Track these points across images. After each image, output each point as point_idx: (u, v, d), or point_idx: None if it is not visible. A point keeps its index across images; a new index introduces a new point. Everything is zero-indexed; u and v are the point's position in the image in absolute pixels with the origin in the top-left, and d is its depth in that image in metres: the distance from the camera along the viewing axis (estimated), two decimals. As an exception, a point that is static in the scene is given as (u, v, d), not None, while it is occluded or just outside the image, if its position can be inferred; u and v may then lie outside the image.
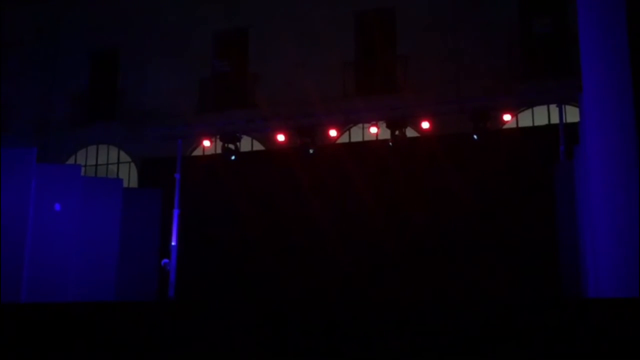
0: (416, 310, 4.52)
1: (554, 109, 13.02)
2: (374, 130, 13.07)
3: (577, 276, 9.60)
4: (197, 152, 16.00)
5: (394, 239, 12.64)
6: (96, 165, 17.50)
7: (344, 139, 15.14)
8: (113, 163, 17.49)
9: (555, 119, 12.80)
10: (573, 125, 10.51)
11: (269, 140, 14.53)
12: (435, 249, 12.22)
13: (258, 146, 15.69)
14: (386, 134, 12.82)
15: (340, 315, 4.86)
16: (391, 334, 4.53)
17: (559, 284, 10.56)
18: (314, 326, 4.76)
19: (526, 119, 14.20)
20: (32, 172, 10.25)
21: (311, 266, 12.81)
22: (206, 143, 14.00)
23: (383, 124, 12.78)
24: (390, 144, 12.57)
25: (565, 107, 12.20)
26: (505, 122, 12.98)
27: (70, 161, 17.50)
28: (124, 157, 17.37)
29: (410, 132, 13.06)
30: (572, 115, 12.42)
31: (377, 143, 13.61)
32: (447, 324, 4.37)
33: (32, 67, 17.97)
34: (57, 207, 10.86)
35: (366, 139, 14.42)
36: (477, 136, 11.97)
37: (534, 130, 13.39)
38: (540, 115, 14.01)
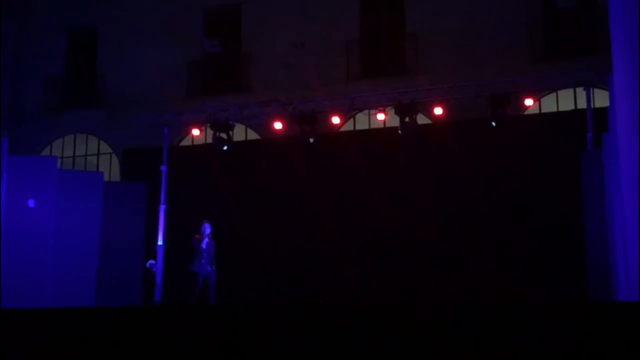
0: (430, 306, 4.55)
1: (580, 92, 13.00)
2: (381, 116, 13.06)
3: (606, 276, 9.62)
4: (186, 142, 16.00)
5: (403, 236, 12.68)
6: (74, 156, 17.51)
7: (348, 126, 15.15)
8: (92, 154, 17.49)
9: (582, 104, 12.79)
10: (602, 110, 10.50)
11: (264, 128, 14.52)
12: (450, 245, 12.26)
13: (253, 135, 15.70)
14: (395, 121, 12.81)
15: (344, 312, 4.89)
16: (401, 328, 4.56)
17: (586, 284, 10.59)
18: (314, 324, 4.79)
19: (550, 104, 14.19)
20: (3, 164, 10.24)
21: (312, 265, 12.84)
22: (195, 132, 14.00)
23: (391, 110, 12.77)
24: (400, 131, 12.57)
25: (593, 90, 12.18)
26: (526, 108, 12.97)
27: (45, 152, 17.50)
28: (105, 147, 17.37)
29: (421, 119, 13.05)
30: (601, 99, 12.41)
31: (384, 131, 13.61)
32: (461, 320, 4.40)
33: (1, 48, 17.94)
34: (31, 203, 10.87)
35: (372, 126, 14.43)
36: (496, 123, 11.97)
37: (558, 116, 13.39)
38: (566, 100, 13.99)
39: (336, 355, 4.70)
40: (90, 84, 17.62)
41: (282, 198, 13.45)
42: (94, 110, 17.24)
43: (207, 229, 11.16)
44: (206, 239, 11.11)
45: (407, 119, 12.44)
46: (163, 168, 13.61)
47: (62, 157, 17.02)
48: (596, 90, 12.46)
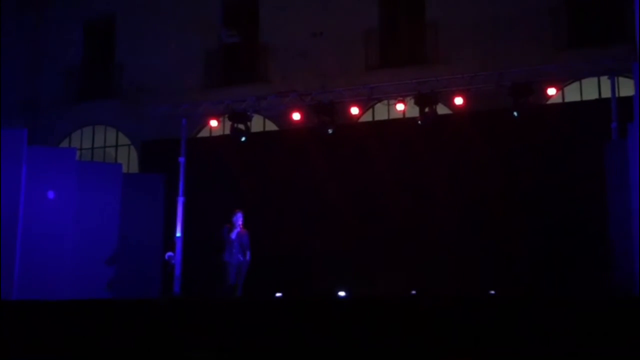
0: (452, 301, 4.54)
1: (605, 81, 12.86)
2: (400, 107, 13.01)
3: (630, 269, 9.54)
4: (204, 133, 16.06)
5: (423, 227, 12.65)
6: (92, 148, 17.65)
7: (367, 117, 15.11)
8: (111, 146, 17.62)
9: (606, 93, 12.65)
10: (627, 99, 10.38)
11: (283, 119, 14.53)
12: (470, 237, 12.21)
13: (271, 126, 15.72)
14: (414, 111, 12.76)
15: (363, 306, 4.90)
16: (424, 322, 4.56)
17: (611, 277, 10.51)
18: (332, 319, 4.81)
19: (573, 93, 14.05)
20: (22, 156, 10.37)
21: (329, 257, 12.86)
22: (213, 123, 14.05)
23: (411, 100, 12.72)
24: (419, 122, 12.52)
25: (618, 78, 12.05)
26: (549, 97, 12.85)
27: (64, 144, 17.66)
28: (123, 139, 17.49)
29: (441, 109, 12.99)
30: (626, 88, 12.26)
31: (404, 121, 13.55)
32: (481, 315, 4.39)
33: (18, 39, 18.10)
34: (51, 194, 11.00)
35: (392, 116, 14.37)
36: (518, 113, 11.88)
37: (582, 105, 13.25)
38: (590, 89, 13.85)
39: (351, 347, 4.71)
40: (108, 75, 17.71)
41: (301, 189, 13.47)
42: (111, 101, 17.35)
43: (239, 218, 11.02)
44: (237, 229, 10.95)
45: (426, 109, 12.38)
46: (181, 159, 13.69)
47: (80, 149, 17.16)
48: (621, 79, 12.31)
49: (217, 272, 11.04)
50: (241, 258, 10.91)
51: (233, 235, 10.92)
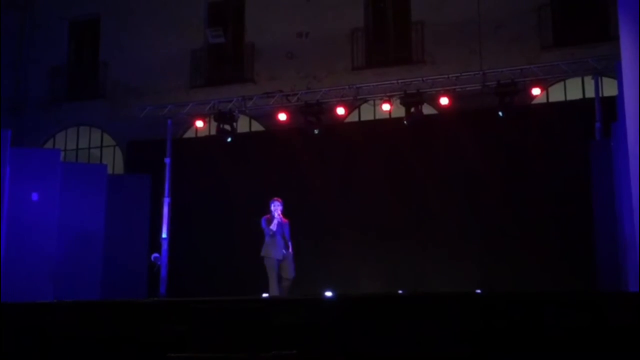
0: (436, 301, 4.55)
1: (588, 81, 12.94)
2: (386, 107, 13.04)
3: (616, 267, 9.62)
4: (189, 134, 16.00)
5: (409, 227, 12.68)
6: (77, 149, 17.53)
7: (353, 117, 15.11)
8: (96, 147, 17.51)
9: (590, 93, 12.73)
10: (610, 99, 10.47)
11: (269, 119, 14.51)
12: (456, 236, 12.25)
13: (257, 126, 15.69)
14: (400, 111, 12.79)
15: (351, 310, 4.90)
16: (415, 325, 4.57)
17: (595, 274, 10.58)
18: (320, 323, 4.81)
19: (558, 93, 14.12)
20: (6, 157, 10.28)
21: (317, 257, 12.85)
22: (199, 123, 14.02)
23: (397, 100, 12.75)
24: (405, 122, 12.56)
25: (601, 78, 12.13)
26: (534, 97, 12.92)
27: (49, 145, 17.53)
28: (108, 139, 17.38)
29: (427, 109, 13.03)
30: (610, 87, 12.34)
31: (390, 121, 13.58)
32: (468, 314, 4.41)
33: (2, 38, 17.94)
34: (35, 196, 10.91)
35: (378, 117, 14.39)
36: (503, 112, 11.94)
37: (566, 105, 13.34)
38: (574, 89, 13.92)
39: (339, 347, 4.71)
40: (93, 75, 17.60)
41: (287, 190, 13.42)
42: (97, 102, 17.24)
43: (278, 207, 9.75)
44: (277, 219, 9.73)
45: (412, 109, 12.42)
46: (167, 160, 13.65)
47: (65, 150, 17.04)
48: (604, 79, 12.39)
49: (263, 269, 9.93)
50: (285, 252, 9.76)
51: (274, 226, 9.68)
